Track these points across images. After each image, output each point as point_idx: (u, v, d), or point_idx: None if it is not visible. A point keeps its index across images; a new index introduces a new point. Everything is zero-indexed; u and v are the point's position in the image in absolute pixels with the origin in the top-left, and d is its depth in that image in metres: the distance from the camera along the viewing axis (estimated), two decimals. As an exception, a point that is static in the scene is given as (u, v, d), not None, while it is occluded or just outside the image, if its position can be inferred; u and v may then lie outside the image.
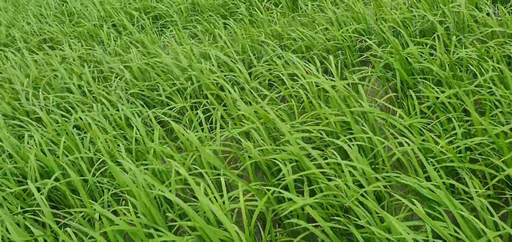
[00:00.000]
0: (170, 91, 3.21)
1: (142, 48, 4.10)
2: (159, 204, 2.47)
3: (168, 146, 3.04)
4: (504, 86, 2.47)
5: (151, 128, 3.28)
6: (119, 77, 3.70)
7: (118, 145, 2.88)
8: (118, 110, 3.35)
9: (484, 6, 3.18)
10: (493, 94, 2.41)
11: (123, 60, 4.09)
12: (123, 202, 2.72)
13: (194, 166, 2.56)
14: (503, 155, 1.80)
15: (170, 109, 3.39)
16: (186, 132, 2.47)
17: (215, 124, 3.15)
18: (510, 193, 1.96)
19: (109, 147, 2.78)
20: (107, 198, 2.59)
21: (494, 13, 3.46)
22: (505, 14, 2.85)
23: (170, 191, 2.53)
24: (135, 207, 2.47)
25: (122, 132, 2.98)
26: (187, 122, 3.04)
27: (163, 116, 2.78)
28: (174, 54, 3.66)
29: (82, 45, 5.19)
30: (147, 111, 3.18)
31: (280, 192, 2.33)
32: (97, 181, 2.73)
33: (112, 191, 2.55)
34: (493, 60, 2.57)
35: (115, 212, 2.69)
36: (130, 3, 6.09)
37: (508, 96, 2.17)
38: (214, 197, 2.28)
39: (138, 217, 2.29)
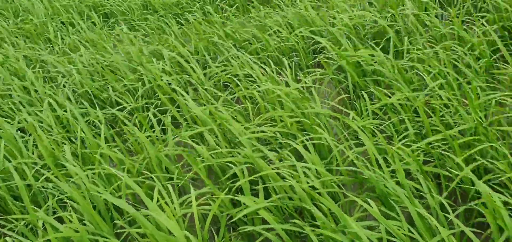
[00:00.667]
0: (120, 92, 3.09)
1: (92, 47, 3.94)
2: (107, 211, 2.36)
3: (118, 149, 2.92)
4: (451, 88, 2.55)
5: (100, 129, 3.14)
6: (66, 77, 3.54)
7: (64, 148, 2.74)
8: (66, 111, 3.19)
9: (432, 10, 3.27)
10: (441, 98, 2.48)
11: (70, 61, 3.92)
12: (69, 208, 2.58)
13: (145, 171, 2.47)
14: (456, 155, 1.84)
15: (120, 110, 3.26)
16: (137, 133, 2.37)
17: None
18: (461, 191, 2.01)
19: (53, 149, 2.63)
20: (52, 204, 2.45)
21: (442, 16, 3.57)
22: (452, 18, 2.95)
23: (120, 196, 2.42)
24: (82, 214, 2.35)
25: (68, 134, 2.83)
26: (138, 123, 2.94)
27: (112, 116, 2.67)
28: (124, 54, 3.54)
29: (26, 44, 4.93)
30: (96, 112, 3.05)
31: (234, 195, 2.29)
32: (41, 186, 2.58)
33: (57, 196, 2.42)
34: (441, 63, 2.64)
35: (60, 219, 2.55)
36: (80, 1, 5.86)
37: (455, 98, 2.23)
38: (166, 202, 2.21)
39: (84, 224, 2.17)
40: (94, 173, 2.47)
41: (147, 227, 1.82)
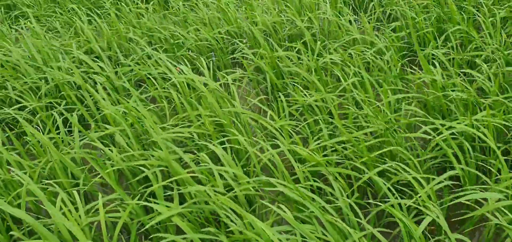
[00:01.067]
0: (20, 90, 2.82)
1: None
2: (3, 221, 2.13)
3: (17, 153, 2.66)
4: (364, 90, 2.63)
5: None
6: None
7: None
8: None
9: (345, 15, 3.37)
10: (354, 99, 2.55)
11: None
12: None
13: (50, 175, 2.26)
14: (364, 156, 1.88)
15: (20, 109, 2.98)
16: (39, 135, 2.16)
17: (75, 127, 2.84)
18: (372, 191, 2.06)
19: None
20: None
21: (355, 21, 3.70)
22: (366, 22, 3.06)
23: (19, 205, 2.20)
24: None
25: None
26: (41, 124, 2.70)
27: (11, 117, 2.42)
28: (27, 49, 3.24)
29: None
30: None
31: (146, 201, 2.17)
32: None
33: None
34: (354, 66, 2.72)
35: None
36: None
37: (367, 99, 2.30)
38: (69, 210, 2.03)
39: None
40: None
41: (47, 237, 1.66)
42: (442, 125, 2.09)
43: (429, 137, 1.86)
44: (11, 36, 3.85)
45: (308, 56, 2.81)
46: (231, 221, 1.82)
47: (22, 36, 3.89)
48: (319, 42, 2.86)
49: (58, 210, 1.75)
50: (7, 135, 2.85)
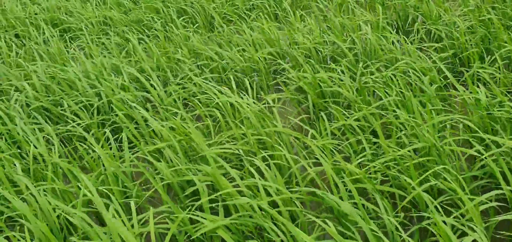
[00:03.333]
0: (76, 108, 3.00)
1: (49, 60, 3.83)
2: (59, 229, 2.26)
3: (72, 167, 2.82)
4: (407, 110, 2.63)
5: (54, 145, 3.03)
6: (19, 91, 3.40)
7: (15, 165, 2.62)
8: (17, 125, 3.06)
9: (389, 36, 3.39)
10: (398, 118, 2.56)
11: (26, 74, 3.78)
12: (18, 227, 2.46)
13: (101, 188, 2.39)
14: (411, 176, 1.90)
15: (75, 126, 3.17)
16: (96, 147, 2.30)
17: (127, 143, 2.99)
18: (417, 213, 2.06)
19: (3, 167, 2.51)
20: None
21: (398, 42, 3.71)
22: (407, 44, 3.07)
23: (75, 214, 2.33)
24: (32, 234, 2.25)
25: (19, 150, 2.72)
26: (94, 140, 2.86)
27: (67, 133, 2.59)
28: (83, 68, 3.45)
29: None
30: (50, 128, 2.94)
31: (194, 213, 2.25)
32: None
33: (7, 214, 2.30)
34: (397, 86, 2.73)
35: (8, 239, 2.43)
36: (36, 14, 5.69)
37: (410, 119, 2.31)
38: (122, 220, 2.14)
39: (35, 243, 2.07)
40: (45, 191, 2.37)
41: (101, 245, 1.76)
42: (492, 142, 2.08)
43: (477, 155, 1.85)
44: (67, 57, 4.10)
45: (349, 76, 2.85)
46: (275, 233, 1.87)
47: (78, 56, 4.13)
48: (361, 63, 2.90)
49: (113, 219, 1.86)
50: (69, 147, 3.03)
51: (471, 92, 2.32)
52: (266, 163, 2.16)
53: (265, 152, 2.40)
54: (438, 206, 1.75)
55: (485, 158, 1.94)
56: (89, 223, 2.34)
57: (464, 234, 1.89)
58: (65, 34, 5.38)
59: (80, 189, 2.36)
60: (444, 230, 1.51)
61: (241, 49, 3.58)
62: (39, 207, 2.02)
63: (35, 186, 2.39)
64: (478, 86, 2.83)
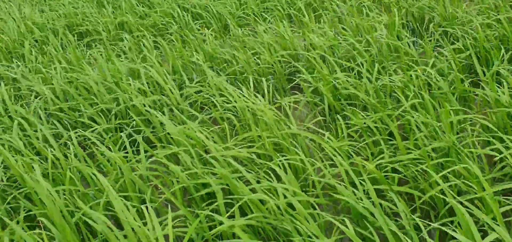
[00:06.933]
0: (92, 112, 3.04)
1: (66, 65, 3.88)
2: (79, 233, 2.29)
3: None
4: (426, 111, 2.60)
5: (71, 151, 3.07)
6: (38, 97, 3.46)
7: (33, 168, 2.66)
8: (36, 131, 3.11)
9: (404, 37, 3.36)
10: (415, 120, 2.53)
11: (44, 79, 3.84)
12: (36, 228, 2.49)
13: (120, 194, 2.41)
14: (428, 176, 1.87)
15: (93, 131, 3.20)
16: (109, 153, 2.33)
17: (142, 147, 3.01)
18: (434, 213, 2.04)
19: (24, 170, 2.55)
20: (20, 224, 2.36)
21: (413, 44, 3.67)
22: (423, 45, 3.03)
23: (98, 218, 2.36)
24: (50, 232, 2.28)
25: (39, 156, 2.76)
26: (111, 144, 2.89)
27: (83, 138, 2.62)
28: (100, 72, 3.49)
29: (-3, 62, 4.82)
30: (68, 133, 2.98)
31: (210, 216, 2.26)
32: (9, 206, 2.49)
33: (22, 214, 2.33)
34: (415, 87, 2.70)
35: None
36: (53, 20, 5.79)
37: (428, 121, 2.28)
38: (139, 225, 2.16)
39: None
40: (64, 194, 2.40)
41: (120, 248, 1.78)
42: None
43: (497, 155, 1.82)
44: (85, 61, 4.15)
45: (366, 77, 2.82)
46: (295, 233, 1.86)
47: (96, 60, 4.18)
48: (377, 65, 2.87)
49: (134, 222, 1.88)
50: (88, 151, 3.06)
51: (491, 91, 2.28)
52: (281, 162, 2.16)
53: (281, 155, 2.40)
54: (459, 204, 1.72)
55: (506, 158, 1.90)
56: (109, 226, 2.36)
57: (485, 234, 1.86)
58: (82, 39, 5.45)
59: (100, 192, 2.38)
60: (468, 224, 1.49)
61: (256, 52, 3.58)
62: (60, 210, 2.05)
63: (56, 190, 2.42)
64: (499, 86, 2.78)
